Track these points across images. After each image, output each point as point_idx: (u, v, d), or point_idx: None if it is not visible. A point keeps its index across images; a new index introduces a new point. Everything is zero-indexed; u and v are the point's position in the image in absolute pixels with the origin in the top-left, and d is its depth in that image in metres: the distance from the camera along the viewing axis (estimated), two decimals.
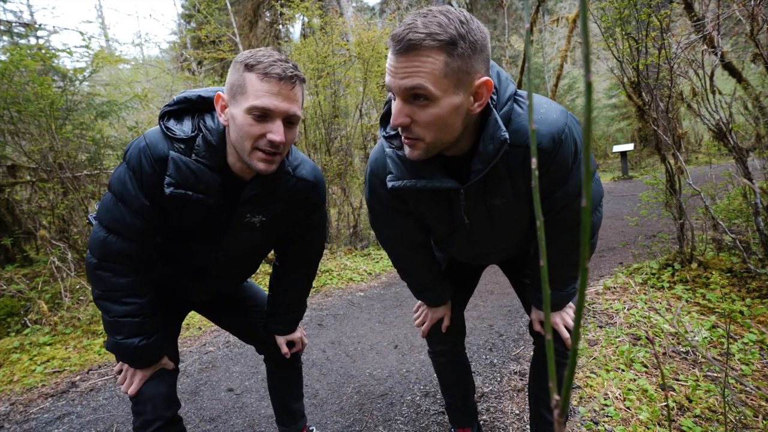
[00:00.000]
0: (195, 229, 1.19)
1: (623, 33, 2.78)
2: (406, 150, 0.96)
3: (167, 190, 1.04)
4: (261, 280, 4.23)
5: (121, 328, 1.12)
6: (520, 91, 1.00)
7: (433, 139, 0.91)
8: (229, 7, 6.52)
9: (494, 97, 0.96)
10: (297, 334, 1.51)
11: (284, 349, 1.47)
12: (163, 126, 1.07)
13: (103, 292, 1.11)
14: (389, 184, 1.03)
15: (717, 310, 2.38)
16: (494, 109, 0.94)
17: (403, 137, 0.95)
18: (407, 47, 0.83)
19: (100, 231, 1.10)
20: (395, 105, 0.90)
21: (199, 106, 1.12)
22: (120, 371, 1.21)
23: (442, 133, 0.91)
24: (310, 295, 3.93)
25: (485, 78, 0.88)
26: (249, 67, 1.00)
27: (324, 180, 1.32)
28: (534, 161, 0.28)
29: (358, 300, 3.72)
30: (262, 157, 1.04)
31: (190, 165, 1.05)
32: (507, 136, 0.91)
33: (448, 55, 0.82)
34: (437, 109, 0.86)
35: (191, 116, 1.11)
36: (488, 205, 1.08)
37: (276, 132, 1.01)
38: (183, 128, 1.08)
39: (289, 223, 1.31)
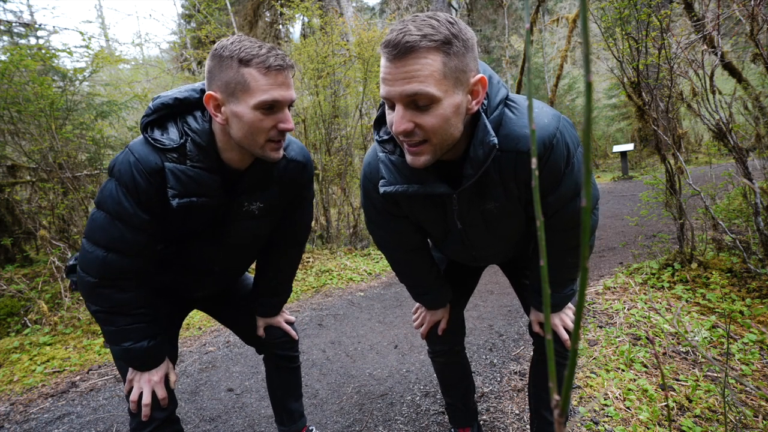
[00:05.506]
0: (198, 230, 1.19)
1: (623, 33, 2.78)
2: (410, 159, 0.93)
3: (173, 202, 1.03)
4: None
5: (129, 334, 1.13)
6: (512, 95, 1.00)
7: (439, 141, 0.90)
8: (229, 7, 6.52)
9: (484, 102, 0.96)
10: (278, 319, 1.51)
11: (260, 332, 1.49)
12: (149, 138, 1.05)
13: (109, 308, 1.10)
14: (381, 189, 1.03)
15: (717, 310, 2.38)
16: (483, 114, 0.93)
17: (405, 145, 0.92)
18: (404, 51, 0.82)
19: (96, 250, 1.07)
20: (396, 112, 0.87)
21: (178, 109, 1.09)
22: (129, 391, 1.19)
23: (446, 135, 0.89)
24: (310, 295, 3.94)
25: (480, 75, 0.89)
26: (245, 63, 0.98)
27: (312, 159, 1.35)
28: (534, 161, 0.28)
29: (358, 300, 3.72)
30: (275, 146, 1.07)
31: (187, 172, 1.05)
32: (496, 141, 0.91)
33: (445, 54, 0.82)
34: (440, 110, 0.85)
35: (173, 121, 1.09)
36: (482, 210, 1.08)
37: (286, 120, 1.05)
38: (170, 136, 1.06)
39: (284, 205, 1.33)
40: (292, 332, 1.54)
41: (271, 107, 1.01)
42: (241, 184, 1.17)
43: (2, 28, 5.47)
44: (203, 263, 1.28)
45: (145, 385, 1.17)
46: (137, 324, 1.13)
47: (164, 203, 1.07)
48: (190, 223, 1.15)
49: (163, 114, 1.08)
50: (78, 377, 2.57)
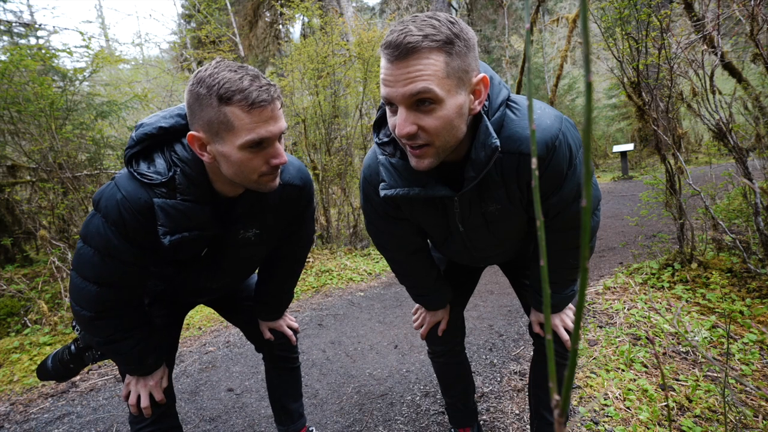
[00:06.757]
0: (192, 259, 1.17)
1: (623, 33, 2.78)
2: (414, 162, 0.92)
3: (165, 240, 0.98)
4: None
5: (130, 355, 1.15)
6: (513, 96, 0.99)
7: (442, 143, 0.89)
8: (229, 7, 6.52)
9: (486, 103, 0.95)
10: (280, 323, 1.52)
11: (267, 335, 1.50)
12: (135, 173, 0.98)
13: (108, 337, 1.10)
14: (382, 193, 1.01)
15: (717, 310, 2.38)
16: (485, 116, 0.93)
17: (408, 149, 0.91)
18: (406, 51, 0.81)
19: (88, 285, 1.03)
20: (399, 114, 0.86)
21: (163, 138, 1.03)
22: (128, 394, 1.21)
23: (450, 136, 0.88)
24: (310, 295, 3.94)
25: (482, 75, 0.88)
26: (226, 100, 0.90)
27: (310, 178, 1.30)
28: (534, 161, 0.28)
29: (358, 300, 3.72)
30: (269, 179, 1.02)
31: (178, 207, 0.99)
32: (498, 143, 0.90)
33: (447, 54, 0.82)
34: (444, 111, 0.84)
35: (160, 151, 1.02)
36: (483, 212, 1.08)
37: (278, 155, 0.99)
38: (157, 169, 0.99)
39: (283, 227, 1.30)
40: (293, 337, 1.55)
41: (259, 144, 0.95)
42: (235, 213, 1.12)
43: (2, 28, 5.48)
44: (200, 282, 1.27)
45: (142, 389, 1.20)
46: (135, 341, 1.14)
47: (155, 238, 1.01)
48: (183, 254, 1.12)
49: (148, 144, 1.02)
50: (78, 377, 2.57)
